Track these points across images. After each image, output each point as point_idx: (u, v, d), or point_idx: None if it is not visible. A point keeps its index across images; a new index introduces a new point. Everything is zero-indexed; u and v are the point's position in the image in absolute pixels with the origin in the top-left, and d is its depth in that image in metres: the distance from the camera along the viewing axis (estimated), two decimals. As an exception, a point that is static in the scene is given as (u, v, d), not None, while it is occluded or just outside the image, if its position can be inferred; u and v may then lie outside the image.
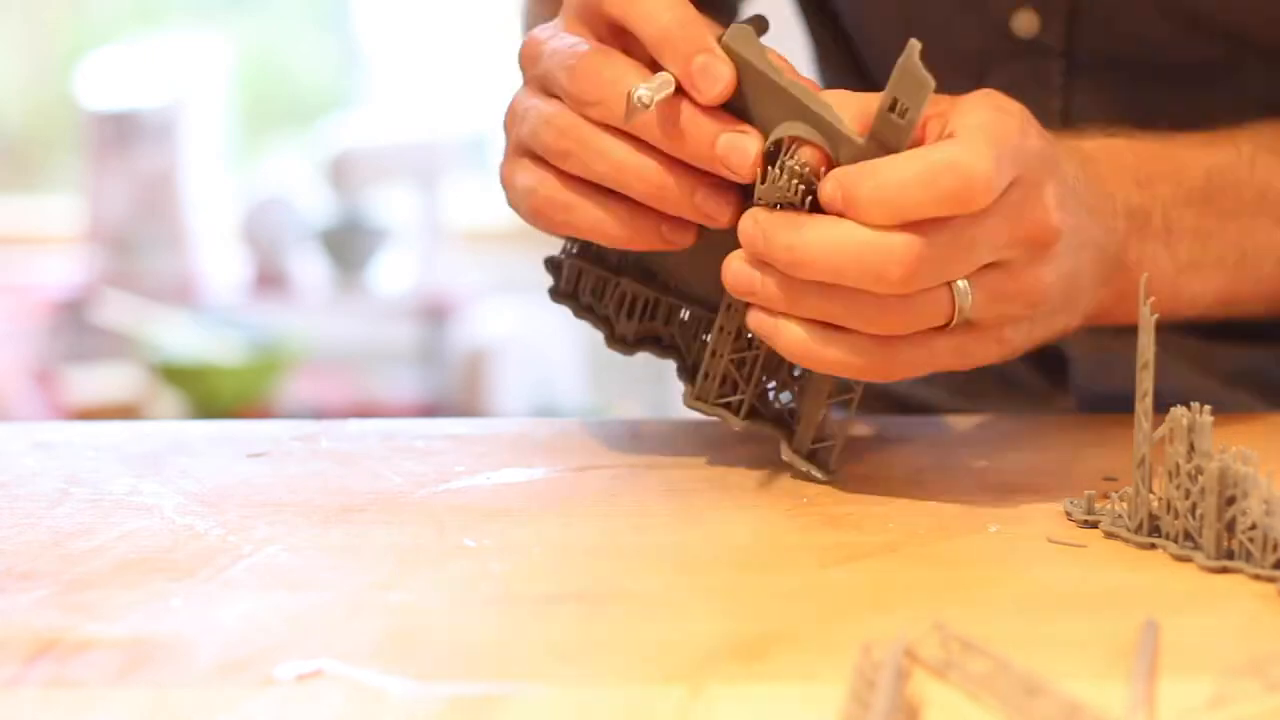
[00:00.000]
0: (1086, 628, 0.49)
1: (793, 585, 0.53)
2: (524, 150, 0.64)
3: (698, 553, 0.56)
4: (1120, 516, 0.58)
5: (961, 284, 0.59)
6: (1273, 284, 0.75)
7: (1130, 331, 0.83)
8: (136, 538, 0.58)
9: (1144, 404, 0.56)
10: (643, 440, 0.72)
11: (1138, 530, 0.57)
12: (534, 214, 0.64)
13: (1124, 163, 0.69)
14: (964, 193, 0.56)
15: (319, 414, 2.81)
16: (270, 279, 3.24)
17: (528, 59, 0.65)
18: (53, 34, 3.55)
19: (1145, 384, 0.56)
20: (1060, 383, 0.86)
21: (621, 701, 0.44)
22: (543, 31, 0.65)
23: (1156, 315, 0.56)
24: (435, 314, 3.17)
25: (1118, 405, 0.84)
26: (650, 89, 0.59)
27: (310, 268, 3.25)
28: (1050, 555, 0.56)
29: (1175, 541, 0.56)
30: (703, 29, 0.61)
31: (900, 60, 0.56)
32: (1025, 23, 0.81)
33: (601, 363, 3.35)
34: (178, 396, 3.01)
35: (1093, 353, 0.84)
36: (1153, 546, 0.56)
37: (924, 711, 0.43)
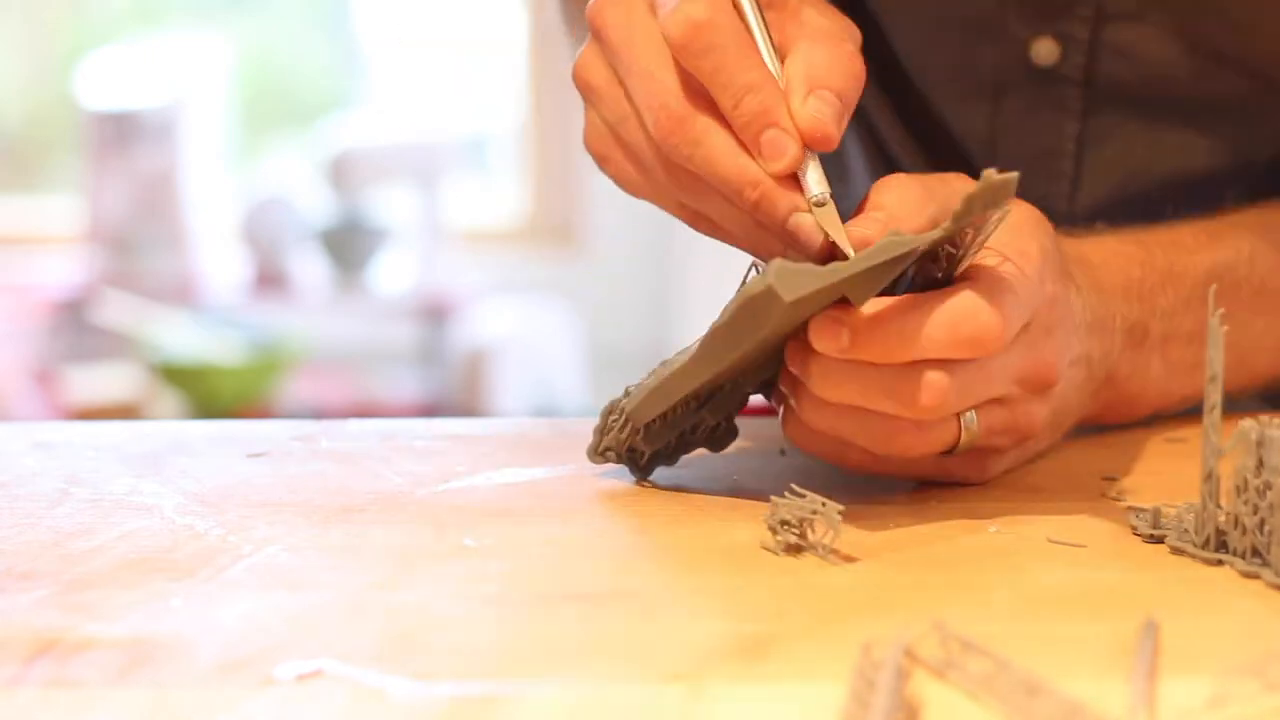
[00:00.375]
0: (1086, 628, 0.49)
1: (793, 585, 0.53)
2: (609, 129, 0.67)
3: (698, 553, 0.56)
4: (1187, 531, 0.57)
5: (970, 415, 0.61)
6: (1266, 375, 0.77)
7: None
8: (136, 538, 0.58)
9: (1212, 417, 0.55)
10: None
11: (1204, 546, 0.56)
12: (668, 207, 0.67)
13: (1129, 276, 0.70)
14: (981, 340, 0.58)
15: (319, 414, 2.81)
16: (270, 279, 3.24)
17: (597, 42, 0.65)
18: (53, 34, 3.55)
19: (1214, 397, 0.55)
20: None
21: (621, 701, 0.44)
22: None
23: (1226, 327, 0.55)
24: (435, 314, 3.17)
25: None
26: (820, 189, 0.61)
27: (310, 268, 3.25)
28: (1050, 555, 0.56)
29: (1243, 558, 0.55)
30: (775, 96, 0.61)
31: (983, 184, 0.56)
32: (1045, 51, 0.81)
33: (601, 363, 3.35)
34: (178, 396, 3.01)
35: None
36: (1219, 563, 0.55)
37: (924, 711, 0.43)
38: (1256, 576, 0.54)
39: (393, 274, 3.25)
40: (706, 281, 3.03)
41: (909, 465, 0.63)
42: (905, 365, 0.58)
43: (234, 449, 0.70)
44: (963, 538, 0.58)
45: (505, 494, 0.64)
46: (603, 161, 0.68)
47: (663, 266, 3.37)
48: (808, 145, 0.61)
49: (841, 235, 0.60)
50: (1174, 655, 0.47)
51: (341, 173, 3.18)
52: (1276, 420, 0.54)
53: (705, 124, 0.62)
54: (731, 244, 0.65)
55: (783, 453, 0.69)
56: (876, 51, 0.86)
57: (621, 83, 0.65)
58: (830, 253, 0.61)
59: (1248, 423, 0.54)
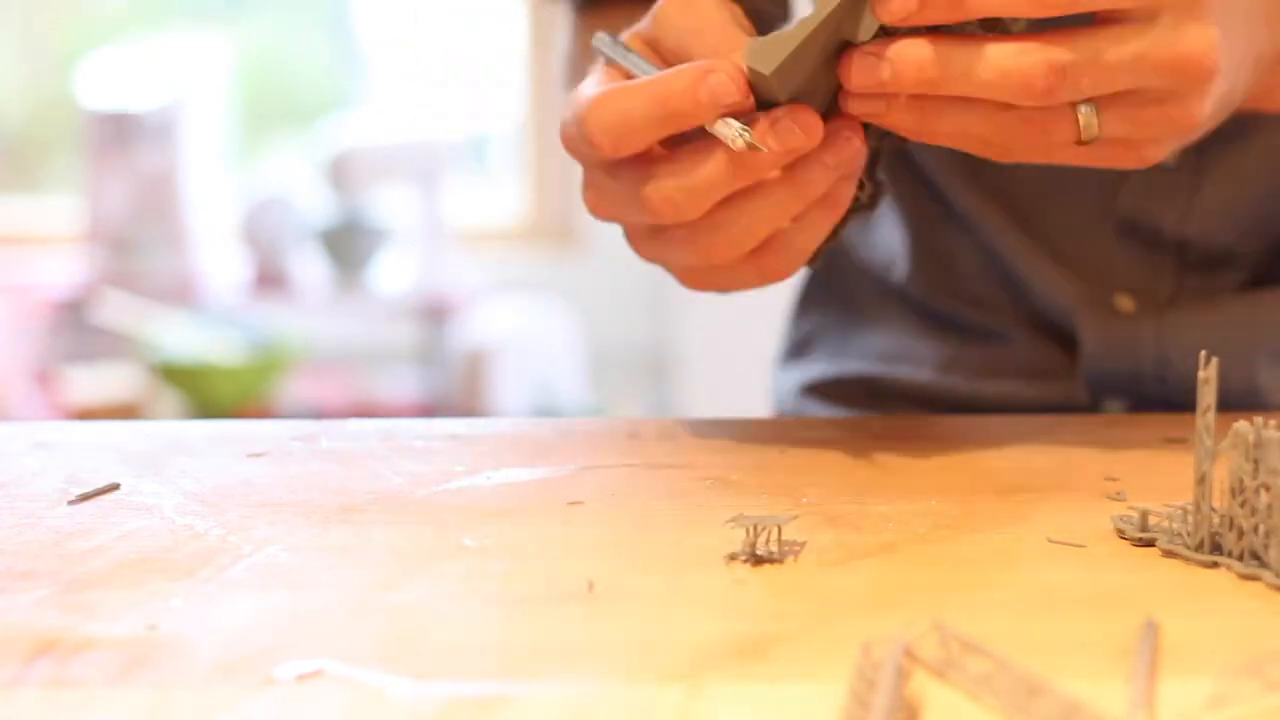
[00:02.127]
0: (1086, 628, 0.49)
1: (793, 585, 0.53)
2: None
3: (698, 553, 0.56)
4: (1179, 535, 0.57)
5: (1085, 109, 0.59)
6: None
7: (1141, 316, 0.83)
8: (136, 538, 0.58)
9: (1205, 419, 0.55)
10: (643, 440, 0.72)
11: (1198, 548, 0.55)
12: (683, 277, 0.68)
13: None
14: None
15: (319, 414, 2.81)
16: (270, 279, 3.24)
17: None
18: (53, 34, 3.55)
19: (1207, 398, 0.55)
20: (1070, 361, 0.87)
21: (621, 701, 0.44)
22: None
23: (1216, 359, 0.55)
24: (435, 314, 3.17)
25: (1124, 386, 0.84)
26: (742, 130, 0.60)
27: (310, 268, 3.25)
28: (1050, 555, 0.56)
29: (1240, 560, 0.54)
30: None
31: None
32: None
33: (601, 363, 3.35)
34: (178, 396, 3.01)
35: (1103, 332, 0.84)
36: (1214, 565, 0.55)
37: (924, 711, 0.43)
38: (1256, 579, 0.53)
39: (393, 274, 3.25)
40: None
41: (1048, 157, 0.61)
42: (1023, 45, 0.57)
43: (234, 449, 0.70)
44: (963, 538, 0.58)
45: (505, 494, 0.64)
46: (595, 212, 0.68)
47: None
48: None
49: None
50: (1174, 655, 0.47)
51: (341, 173, 3.18)
52: (1273, 421, 0.54)
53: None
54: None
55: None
56: None
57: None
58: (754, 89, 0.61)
59: (1243, 424, 0.54)
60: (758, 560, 0.55)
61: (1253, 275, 0.85)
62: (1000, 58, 0.58)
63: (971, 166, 0.88)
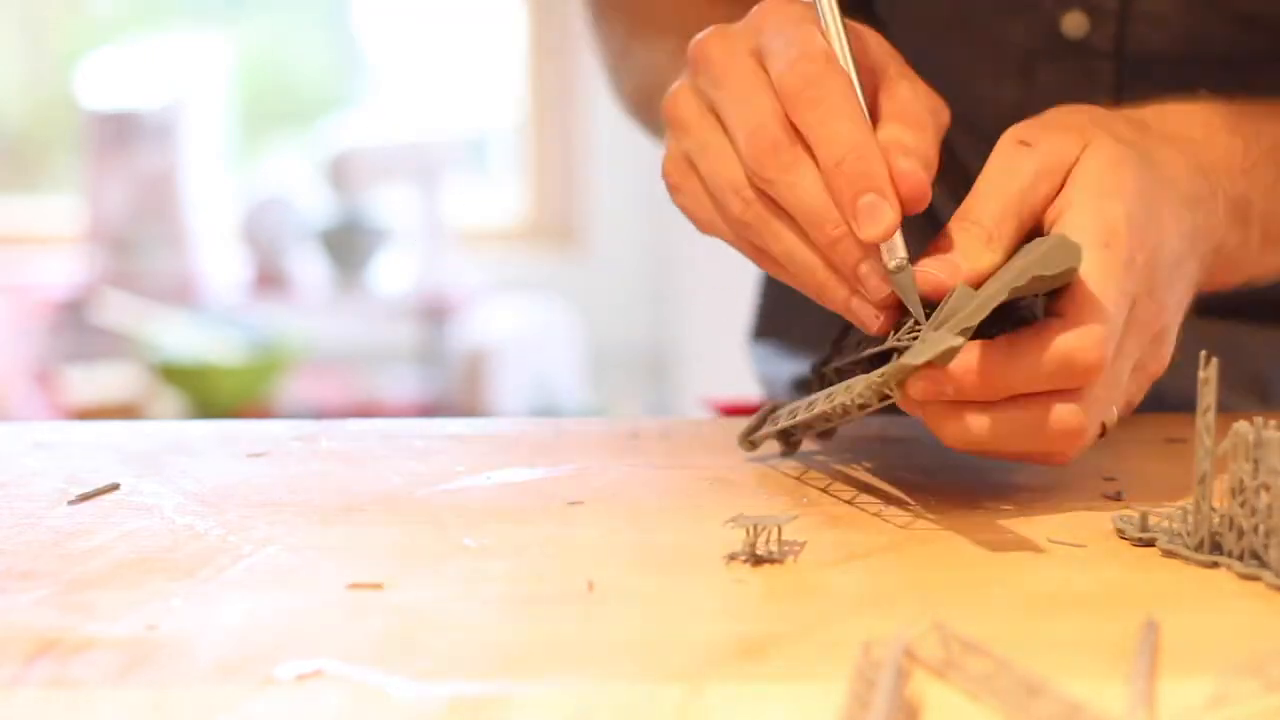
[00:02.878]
0: (1086, 628, 0.49)
1: (793, 585, 0.53)
2: (688, 159, 0.66)
3: (698, 553, 0.56)
4: (1179, 535, 0.57)
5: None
6: None
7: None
8: (136, 538, 0.58)
9: (1205, 419, 0.55)
10: (643, 440, 0.72)
11: (1198, 548, 0.55)
12: (735, 242, 0.67)
13: (1231, 149, 0.70)
14: (1083, 372, 0.59)
15: (319, 414, 2.81)
16: (270, 279, 3.24)
17: (699, 67, 0.65)
18: (53, 34, 3.55)
19: (1207, 399, 0.55)
20: None
21: (621, 701, 0.44)
22: (726, 48, 0.65)
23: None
24: (435, 314, 3.17)
25: None
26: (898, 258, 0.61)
27: (310, 268, 3.25)
28: (1050, 555, 0.56)
29: (1240, 560, 0.54)
30: (879, 162, 0.61)
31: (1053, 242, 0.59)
32: (1075, 24, 0.81)
33: (601, 363, 3.35)
34: (178, 396, 3.01)
35: None
36: (1214, 565, 0.55)
37: (924, 711, 0.43)
38: (1256, 579, 0.53)
39: (393, 274, 3.25)
40: (706, 282, 3.03)
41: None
42: (1032, 403, 0.59)
43: (234, 449, 0.70)
44: (963, 538, 0.58)
45: (505, 494, 0.64)
46: (676, 191, 0.67)
47: (663, 266, 3.37)
48: (904, 203, 0.61)
49: (915, 304, 0.61)
50: (1174, 655, 0.47)
51: (341, 173, 3.18)
52: (1272, 422, 0.54)
53: (800, 154, 0.62)
54: (794, 284, 0.65)
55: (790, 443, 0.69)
56: (905, 30, 0.86)
57: (715, 111, 0.64)
58: (897, 304, 0.62)
59: (1243, 424, 0.54)
60: (758, 560, 0.55)
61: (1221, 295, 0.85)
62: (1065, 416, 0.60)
63: (948, 171, 0.88)
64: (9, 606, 0.51)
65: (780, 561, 0.55)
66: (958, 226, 0.62)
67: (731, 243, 0.66)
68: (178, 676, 0.46)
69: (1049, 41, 0.81)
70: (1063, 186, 0.63)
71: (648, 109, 0.90)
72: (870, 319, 0.63)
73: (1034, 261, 0.59)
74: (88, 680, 0.45)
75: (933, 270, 0.61)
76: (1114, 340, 0.60)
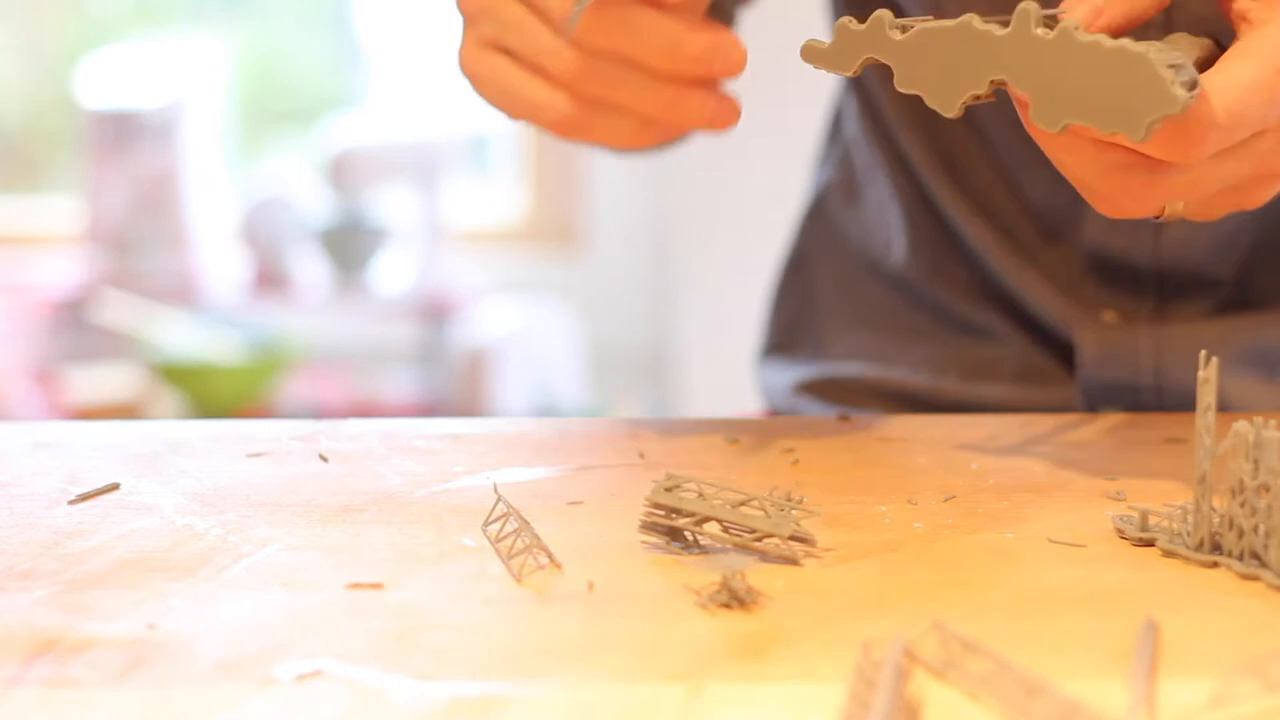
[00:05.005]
0: (1086, 628, 0.49)
1: (793, 585, 0.53)
2: (492, 44, 0.68)
3: (697, 552, 0.56)
4: (1179, 535, 0.57)
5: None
6: None
7: (1134, 327, 0.83)
8: (136, 538, 0.58)
9: (1205, 419, 0.55)
10: (643, 440, 0.72)
11: (1198, 548, 0.55)
12: (553, 128, 0.69)
13: None
14: (1182, 145, 0.58)
15: (319, 414, 2.81)
16: (270, 279, 3.24)
17: None
18: (53, 34, 3.55)
19: (1207, 399, 0.55)
20: (1067, 371, 0.87)
21: (621, 701, 0.44)
22: None
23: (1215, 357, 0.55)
24: (435, 314, 3.17)
25: (1121, 396, 0.84)
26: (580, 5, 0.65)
27: (310, 268, 3.25)
28: (1050, 555, 0.56)
29: (1240, 560, 0.54)
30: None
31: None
32: None
33: (601, 363, 3.35)
34: (178, 396, 3.01)
35: (1100, 342, 0.84)
36: (1214, 565, 0.55)
37: (924, 711, 0.43)
38: (1256, 578, 0.53)
39: (393, 274, 3.25)
40: (706, 282, 3.03)
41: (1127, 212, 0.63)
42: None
43: (234, 449, 0.70)
44: (963, 538, 0.58)
45: (505, 494, 0.64)
46: (481, 82, 0.70)
47: (663, 266, 3.37)
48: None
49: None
50: (1174, 655, 0.47)
51: (341, 173, 3.18)
52: (1272, 421, 0.54)
53: (628, 9, 0.65)
54: (630, 130, 0.68)
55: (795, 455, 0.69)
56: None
57: None
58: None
59: (1243, 424, 0.54)
60: (730, 604, 0.51)
61: (1237, 290, 0.85)
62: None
63: (956, 178, 0.88)
64: (9, 606, 0.51)
65: (752, 605, 0.51)
66: None
67: (547, 118, 0.68)
68: (178, 676, 0.46)
69: None
70: None
71: None
72: (728, 109, 0.66)
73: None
74: (88, 680, 0.45)
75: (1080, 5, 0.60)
76: (1224, 136, 0.58)
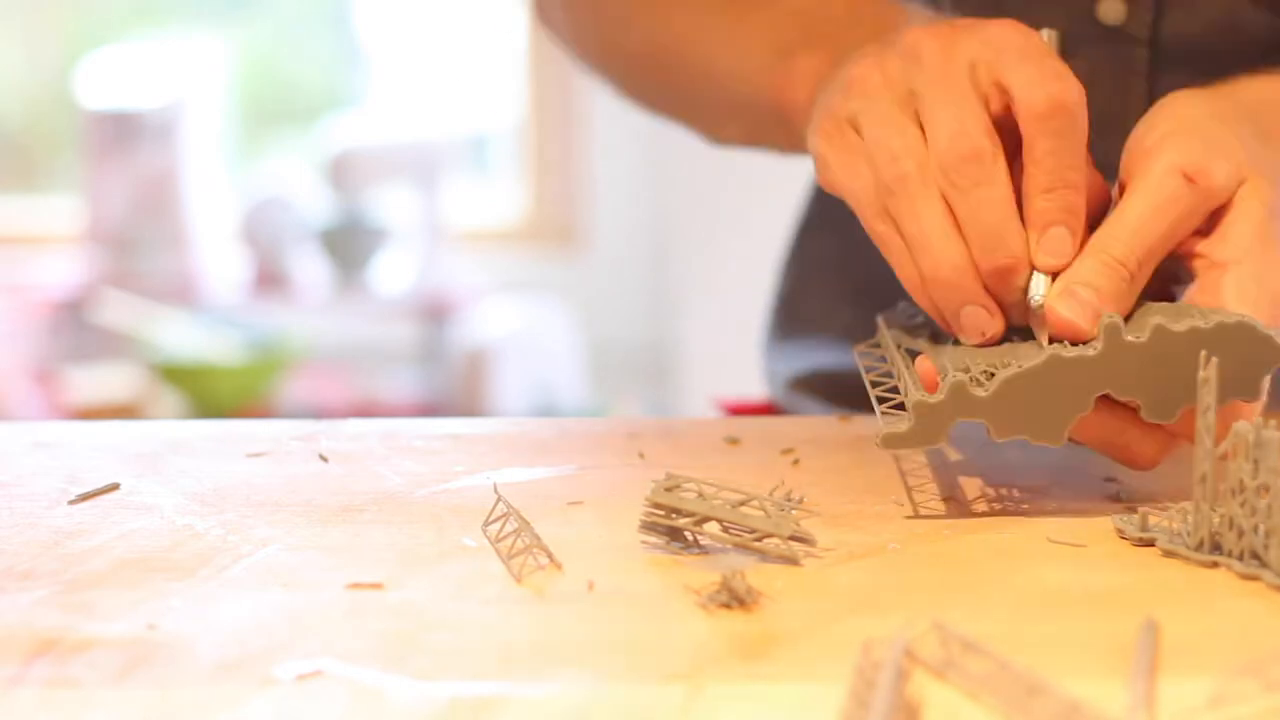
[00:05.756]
0: (1086, 628, 0.49)
1: (793, 585, 0.53)
2: (855, 148, 0.65)
3: (697, 552, 0.56)
4: (1179, 535, 0.57)
5: None
6: None
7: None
8: (136, 538, 0.58)
9: (1205, 419, 0.55)
10: (643, 440, 0.72)
11: (1198, 548, 0.55)
12: (863, 204, 0.66)
13: None
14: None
15: (319, 414, 2.81)
16: (270, 279, 3.24)
17: (909, 57, 0.65)
18: (53, 34, 3.55)
19: (1207, 399, 0.55)
20: None
21: (621, 701, 0.44)
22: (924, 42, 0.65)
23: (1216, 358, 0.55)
24: (435, 314, 3.17)
25: None
26: (1042, 293, 0.62)
27: (310, 268, 3.25)
28: (1050, 555, 0.56)
29: (1240, 560, 0.54)
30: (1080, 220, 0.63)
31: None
32: (1112, 11, 0.81)
33: (601, 363, 3.35)
34: (178, 396, 3.01)
35: None
36: (1214, 565, 0.55)
37: (924, 711, 0.43)
38: (1256, 578, 0.53)
39: (393, 274, 3.25)
40: (706, 282, 3.03)
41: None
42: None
43: (234, 449, 0.70)
44: (963, 538, 0.58)
45: (505, 494, 0.64)
46: (826, 139, 0.67)
47: (663, 266, 3.37)
48: (1056, 332, 0.61)
49: (1044, 337, 0.62)
50: (1174, 655, 0.47)
51: (341, 173, 3.18)
52: (1272, 422, 0.54)
53: (1000, 171, 0.62)
54: (900, 261, 0.65)
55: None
56: (943, 11, 0.86)
57: (911, 96, 0.64)
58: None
59: (1243, 424, 0.54)
60: (730, 604, 0.51)
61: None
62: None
63: None
64: (9, 606, 0.51)
65: (752, 605, 0.51)
66: (1100, 262, 0.62)
67: (857, 203, 0.65)
68: (178, 676, 0.46)
69: (1085, 27, 0.82)
70: (1213, 223, 0.63)
71: (658, 69, 0.90)
72: (977, 333, 0.63)
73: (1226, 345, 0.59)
74: (88, 680, 0.45)
75: (1071, 317, 0.61)
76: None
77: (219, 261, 3.27)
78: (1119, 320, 0.59)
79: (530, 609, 0.51)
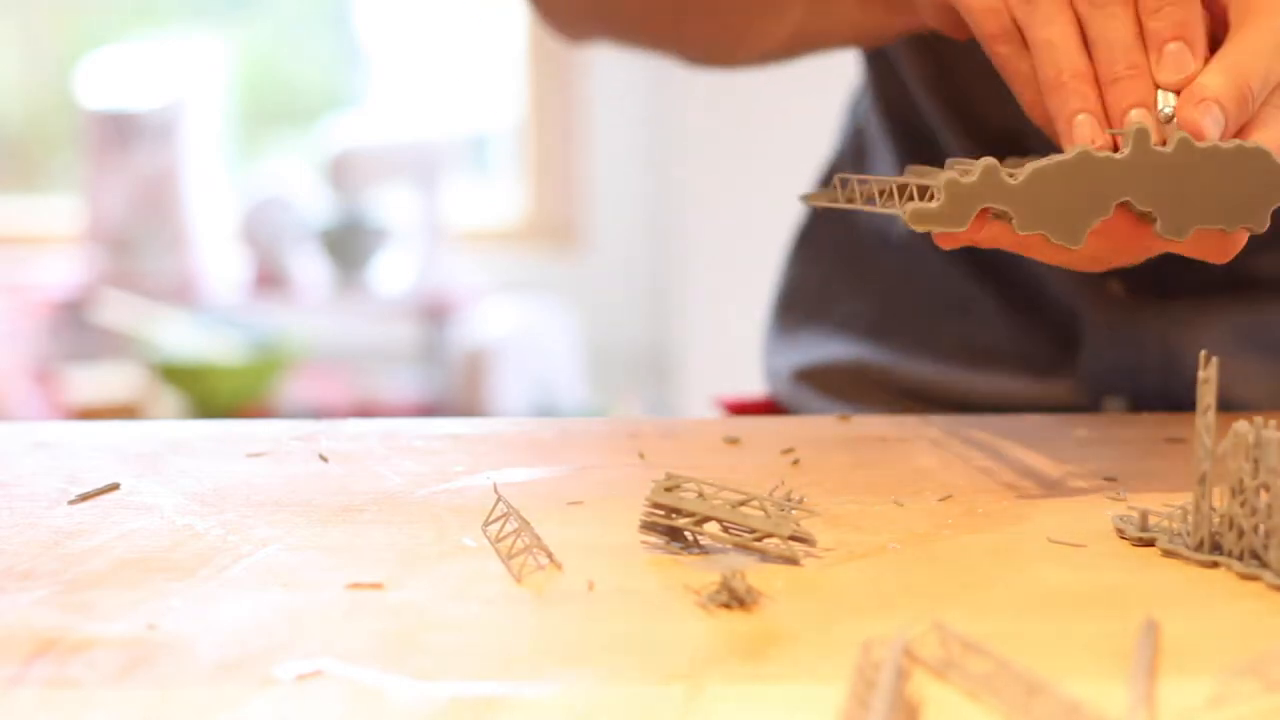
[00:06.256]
0: (1086, 628, 0.49)
1: (793, 585, 0.53)
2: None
3: (697, 552, 0.56)
4: (1179, 535, 0.57)
5: None
6: None
7: (1146, 308, 0.83)
8: (136, 538, 0.58)
9: (1205, 419, 0.55)
10: (643, 440, 0.72)
11: (1198, 548, 0.55)
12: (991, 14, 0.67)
13: None
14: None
15: (319, 414, 2.81)
16: (270, 279, 3.24)
17: None
18: (53, 34, 3.55)
19: (1207, 399, 0.55)
20: (1070, 356, 0.86)
21: (621, 701, 0.44)
22: None
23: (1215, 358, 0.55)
24: (435, 314, 3.17)
25: (1125, 380, 0.84)
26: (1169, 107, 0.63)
27: (310, 268, 3.25)
28: (1050, 555, 0.56)
29: (1240, 560, 0.54)
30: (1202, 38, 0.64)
31: None
32: None
33: (601, 363, 3.35)
34: (178, 396, 3.01)
35: (1108, 323, 0.84)
36: (1214, 565, 0.55)
37: (924, 711, 0.43)
38: (1256, 578, 0.53)
39: (393, 274, 3.25)
40: (706, 281, 3.03)
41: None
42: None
43: (234, 449, 0.70)
44: (963, 538, 0.58)
45: (505, 494, 0.64)
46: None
47: (663, 266, 3.37)
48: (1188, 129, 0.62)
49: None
50: (1174, 655, 0.47)
51: (341, 173, 3.18)
52: (1272, 422, 0.54)
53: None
54: (1019, 75, 0.66)
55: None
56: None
57: None
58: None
59: (1243, 424, 0.54)
60: (730, 604, 0.51)
61: (1239, 264, 0.85)
62: None
63: (969, 142, 0.87)
64: (9, 606, 0.51)
65: (752, 605, 0.51)
66: (1223, 71, 0.62)
67: (984, 17, 0.66)
68: (178, 676, 0.46)
69: None
70: None
71: None
72: (1087, 139, 0.63)
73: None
74: (88, 680, 0.45)
75: (1199, 119, 0.61)
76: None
77: (219, 261, 3.27)
78: (1149, 127, 0.60)
79: (530, 609, 0.51)
